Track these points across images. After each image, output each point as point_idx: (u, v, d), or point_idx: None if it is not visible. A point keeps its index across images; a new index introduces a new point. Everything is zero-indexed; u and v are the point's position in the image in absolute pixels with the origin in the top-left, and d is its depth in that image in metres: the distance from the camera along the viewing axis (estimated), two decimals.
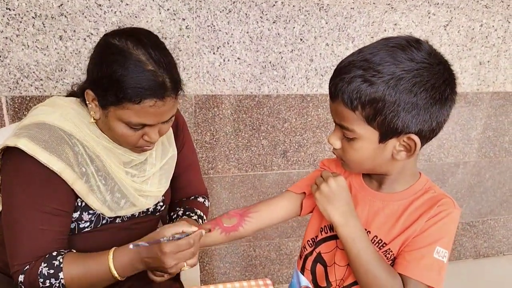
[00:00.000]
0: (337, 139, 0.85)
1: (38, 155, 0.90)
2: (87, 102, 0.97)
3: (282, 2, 1.55)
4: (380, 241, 0.89)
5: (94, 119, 0.98)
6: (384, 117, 0.77)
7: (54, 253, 0.94)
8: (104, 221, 1.04)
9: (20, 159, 0.91)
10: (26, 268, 0.92)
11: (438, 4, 1.72)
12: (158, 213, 1.16)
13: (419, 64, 0.76)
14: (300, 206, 1.00)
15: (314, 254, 0.97)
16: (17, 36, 1.35)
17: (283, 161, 1.85)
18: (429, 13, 1.73)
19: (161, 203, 1.15)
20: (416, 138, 0.79)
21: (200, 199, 1.26)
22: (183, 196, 1.26)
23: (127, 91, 0.88)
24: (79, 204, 1.00)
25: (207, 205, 1.27)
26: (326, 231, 0.96)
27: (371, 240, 0.89)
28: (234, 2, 1.50)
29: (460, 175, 2.16)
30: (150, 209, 1.13)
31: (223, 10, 1.50)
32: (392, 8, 1.68)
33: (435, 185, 0.90)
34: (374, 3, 1.65)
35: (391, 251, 0.88)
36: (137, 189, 1.05)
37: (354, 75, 0.77)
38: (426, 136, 0.81)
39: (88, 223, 1.02)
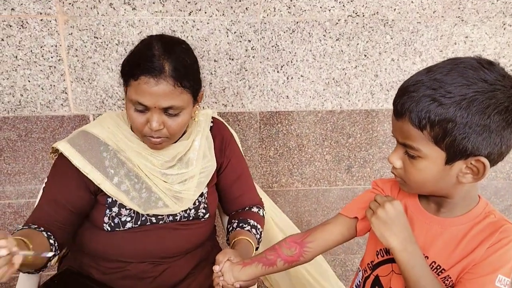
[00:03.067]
0: (399, 158, 0.84)
1: (72, 158, 1.08)
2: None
3: (345, 20, 1.58)
4: (438, 267, 0.87)
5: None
6: (453, 138, 0.75)
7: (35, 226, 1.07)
8: (143, 218, 1.14)
9: (60, 157, 1.12)
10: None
11: None
12: (203, 219, 1.21)
13: (493, 86, 0.74)
14: (355, 229, 1.00)
15: (372, 277, 0.97)
16: (103, 61, 1.52)
17: (347, 177, 1.85)
18: (504, 24, 1.65)
19: (203, 210, 1.20)
20: (485, 161, 0.76)
21: (254, 209, 1.30)
22: (237, 207, 1.31)
23: (131, 67, 1.04)
24: (117, 200, 1.13)
25: (261, 214, 1.31)
26: (382, 255, 0.95)
27: (429, 266, 0.86)
28: (297, 23, 1.56)
29: None
30: (191, 214, 1.19)
31: (286, 31, 1.56)
32: (462, 20, 1.63)
33: (495, 209, 0.86)
34: (442, 17, 1.61)
35: (450, 278, 0.85)
36: (170, 190, 1.13)
37: (423, 94, 0.76)
38: (494, 159, 0.78)
39: (129, 218, 1.13)
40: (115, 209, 1.12)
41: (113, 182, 1.10)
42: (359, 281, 1.03)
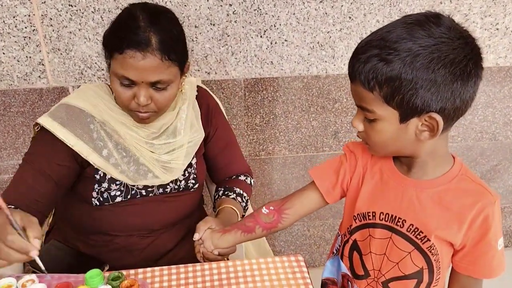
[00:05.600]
0: (360, 121, 0.84)
1: (55, 130, 1.04)
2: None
3: None
4: (416, 230, 0.87)
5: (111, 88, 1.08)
6: (402, 96, 0.75)
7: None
8: (133, 192, 1.13)
9: (42, 131, 1.07)
10: None
11: None
12: (192, 189, 1.21)
13: (437, 39, 0.73)
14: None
15: (351, 241, 0.98)
16: (79, 30, 1.47)
17: (334, 142, 1.84)
18: None
19: (193, 181, 1.20)
20: (437, 116, 0.76)
21: (242, 177, 1.30)
22: (224, 176, 1.31)
23: (115, 39, 0.99)
24: (105, 175, 1.10)
25: (249, 182, 1.31)
26: (360, 219, 0.95)
27: (407, 229, 0.87)
28: None
29: None
30: (181, 186, 1.19)
31: None
32: None
33: (469, 170, 0.86)
34: None
35: (434, 246, 0.86)
36: (158, 160, 1.12)
37: (370, 54, 0.75)
38: (450, 114, 0.77)
39: (119, 192, 1.12)
40: (105, 184, 1.11)
41: (102, 155, 1.08)
42: (338, 245, 1.04)
